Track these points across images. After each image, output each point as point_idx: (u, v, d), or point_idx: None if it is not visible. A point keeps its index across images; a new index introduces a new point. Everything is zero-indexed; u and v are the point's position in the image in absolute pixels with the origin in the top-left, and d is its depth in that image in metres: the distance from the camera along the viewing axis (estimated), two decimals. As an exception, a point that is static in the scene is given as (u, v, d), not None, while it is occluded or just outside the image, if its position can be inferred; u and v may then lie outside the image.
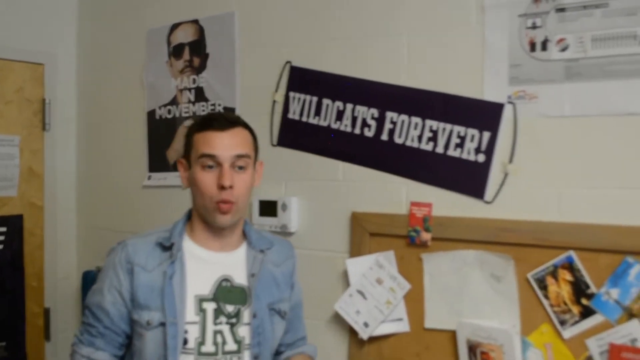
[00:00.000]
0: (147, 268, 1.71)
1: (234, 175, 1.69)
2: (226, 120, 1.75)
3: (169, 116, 2.83)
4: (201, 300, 1.71)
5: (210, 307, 1.71)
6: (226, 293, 1.74)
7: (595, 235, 1.81)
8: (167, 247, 1.74)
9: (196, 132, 1.73)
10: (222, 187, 1.67)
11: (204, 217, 1.74)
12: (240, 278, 1.77)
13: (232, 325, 1.72)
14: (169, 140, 2.83)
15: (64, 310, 3.23)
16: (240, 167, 1.71)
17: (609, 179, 1.82)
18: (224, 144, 1.69)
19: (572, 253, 1.84)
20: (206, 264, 1.75)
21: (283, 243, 1.95)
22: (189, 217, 1.82)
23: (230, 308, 1.73)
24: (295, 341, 1.97)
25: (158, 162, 2.88)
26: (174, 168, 2.79)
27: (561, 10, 1.87)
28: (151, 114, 2.90)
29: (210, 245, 1.77)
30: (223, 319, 1.72)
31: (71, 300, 3.26)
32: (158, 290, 1.68)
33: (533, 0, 1.91)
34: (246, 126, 1.79)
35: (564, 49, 1.87)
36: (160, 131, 2.87)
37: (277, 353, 1.92)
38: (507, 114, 1.96)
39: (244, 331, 1.74)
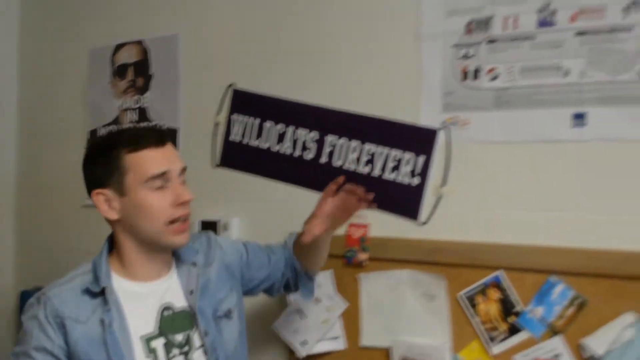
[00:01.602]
0: (80, 319, 1.52)
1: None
2: (158, 133, 1.62)
3: (111, 135, 2.82)
4: (148, 340, 1.57)
5: (159, 344, 1.58)
6: (170, 323, 1.60)
7: (521, 255, 1.89)
8: (98, 292, 1.56)
9: (128, 154, 1.54)
10: (181, 204, 1.56)
11: (154, 244, 1.59)
12: (180, 301, 1.64)
13: (185, 355, 1.60)
14: (110, 160, 2.80)
15: (-1, 331, 3.17)
16: (184, 182, 1.61)
17: (535, 202, 1.91)
18: (169, 159, 1.57)
19: (500, 272, 1.92)
20: (143, 299, 1.60)
21: (200, 239, 1.82)
22: (109, 250, 1.66)
23: (179, 337, 1.61)
24: (269, 258, 1.93)
25: (99, 181, 2.85)
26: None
27: (492, 41, 1.96)
28: (93, 133, 2.88)
29: (146, 275, 1.62)
30: (175, 351, 1.59)
31: (6, 321, 3.19)
32: (99, 342, 1.51)
33: (466, 32, 2.00)
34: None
35: (494, 78, 1.96)
36: (102, 150, 2.84)
37: (270, 290, 1.95)
38: (441, 138, 2.03)
39: (198, 356, 1.62)
